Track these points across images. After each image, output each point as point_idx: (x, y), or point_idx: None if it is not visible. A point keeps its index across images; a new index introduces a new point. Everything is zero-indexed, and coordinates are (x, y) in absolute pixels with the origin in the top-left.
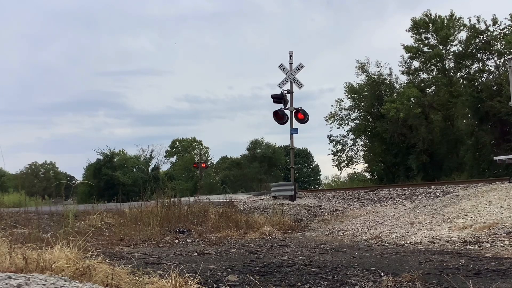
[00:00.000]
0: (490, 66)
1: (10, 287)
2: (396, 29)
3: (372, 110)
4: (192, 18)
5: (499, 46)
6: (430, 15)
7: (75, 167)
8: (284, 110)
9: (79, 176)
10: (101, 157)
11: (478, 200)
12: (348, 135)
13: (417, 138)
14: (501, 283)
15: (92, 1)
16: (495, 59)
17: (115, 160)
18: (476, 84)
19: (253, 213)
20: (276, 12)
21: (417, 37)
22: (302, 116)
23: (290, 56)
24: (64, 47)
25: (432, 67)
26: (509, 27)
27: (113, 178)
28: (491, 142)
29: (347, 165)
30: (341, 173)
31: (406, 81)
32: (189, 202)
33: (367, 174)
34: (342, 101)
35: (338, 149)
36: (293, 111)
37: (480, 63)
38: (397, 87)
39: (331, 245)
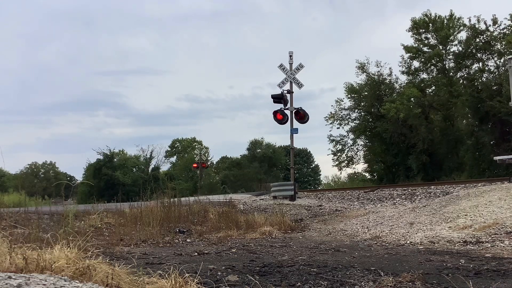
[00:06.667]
0: (490, 66)
1: (10, 287)
2: (396, 29)
3: (372, 110)
4: (191, 18)
5: (499, 46)
6: (430, 15)
7: (75, 167)
8: (284, 110)
9: (79, 176)
10: (101, 157)
11: (478, 200)
12: (348, 135)
13: (417, 138)
14: (501, 283)
15: (90, 0)
16: (495, 59)
17: (115, 160)
18: (476, 84)
19: (253, 213)
20: (276, 11)
21: (417, 37)
22: (302, 116)
23: (290, 56)
24: (63, 47)
25: (432, 67)
26: (509, 27)
27: (113, 178)
28: (491, 142)
29: (347, 165)
30: (341, 173)
31: (406, 81)
32: (189, 202)
33: (367, 174)
34: (342, 101)
35: (338, 149)
36: (293, 111)
37: (480, 63)
38: (397, 87)
39: (331, 245)
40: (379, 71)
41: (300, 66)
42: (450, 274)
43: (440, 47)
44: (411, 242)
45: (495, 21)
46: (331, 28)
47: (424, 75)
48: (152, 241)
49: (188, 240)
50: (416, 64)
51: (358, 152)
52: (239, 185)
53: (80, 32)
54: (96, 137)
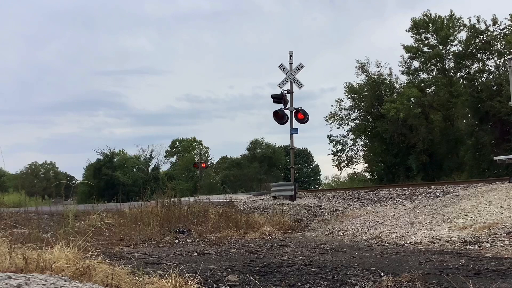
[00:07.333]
0: (490, 66)
1: (10, 287)
2: (396, 29)
3: (372, 110)
4: (191, 18)
5: (499, 46)
6: (430, 15)
7: (75, 167)
8: (284, 110)
9: (79, 176)
10: (101, 157)
11: (478, 200)
12: (348, 135)
13: (417, 138)
14: (501, 283)
15: (90, 0)
16: (495, 59)
17: (115, 160)
18: (476, 84)
19: (253, 213)
20: (275, 11)
21: (417, 37)
22: (302, 116)
23: (290, 56)
24: (62, 47)
25: (432, 67)
26: (509, 27)
27: (113, 178)
28: (491, 142)
29: (347, 165)
30: (341, 173)
31: (406, 81)
32: (189, 202)
33: (367, 174)
34: (342, 101)
35: (338, 149)
36: (293, 111)
37: (480, 63)
38: (397, 87)
39: (331, 245)
40: (379, 71)
41: (300, 66)
42: (450, 274)
43: (440, 47)
44: (411, 242)
45: (495, 21)
46: (331, 28)
47: (424, 75)
48: (152, 241)
49: (188, 240)
50: (416, 64)
51: (358, 152)
52: (239, 185)
53: (80, 32)
54: (96, 137)
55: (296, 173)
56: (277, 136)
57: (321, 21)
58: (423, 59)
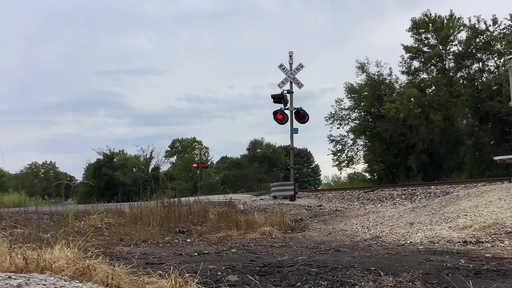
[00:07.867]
0: (490, 66)
1: (10, 287)
2: (396, 29)
3: (372, 110)
4: (191, 18)
5: (499, 46)
6: (430, 15)
7: (75, 167)
8: (284, 110)
9: (79, 176)
10: (101, 157)
11: (478, 200)
12: (348, 135)
13: (417, 138)
14: (501, 283)
15: (90, 0)
16: (495, 59)
17: (115, 160)
18: (476, 84)
19: (253, 213)
20: (275, 11)
21: (417, 37)
22: (302, 116)
23: (290, 56)
24: (63, 47)
25: (432, 67)
26: (509, 27)
27: (113, 178)
28: (491, 142)
29: (347, 165)
30: (341, 173)
31: (406, 81)
32: (189, 202)
33: (367, 174)
34: (342, 101)
35: (338, 149)
36: (293, 111)
37: (480, 63)
38: (397, 87)
39: (331, 245)
40: (379, 71)
41: (300, 66)
42: (450, 274)
43: (440, 47)
44: (411, 242)
45: (495, 21)
46: (331, 28)
47: (424, 75)
48: (152, 241)
49: (188, 240)
50: (416, 64)
51: (358, 152)
52: (239, 185)
53: (80, 32)
54: (96, 137)
55: (296, 173)
56: (277, 136)
57: (321, 21)
58: (423, 59)
